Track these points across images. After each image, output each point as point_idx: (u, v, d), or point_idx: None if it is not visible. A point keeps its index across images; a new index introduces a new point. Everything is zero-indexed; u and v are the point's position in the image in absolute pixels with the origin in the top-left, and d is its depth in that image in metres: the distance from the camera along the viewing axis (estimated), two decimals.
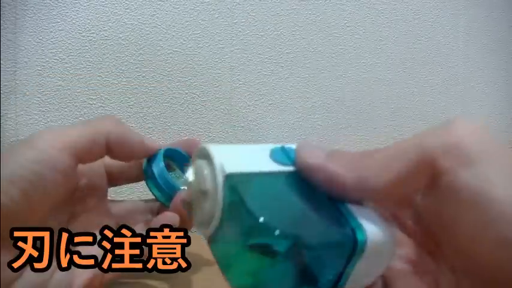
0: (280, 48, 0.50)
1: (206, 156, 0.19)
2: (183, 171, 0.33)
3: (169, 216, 0.29)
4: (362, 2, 0.54)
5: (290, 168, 0.20)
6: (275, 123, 0.51)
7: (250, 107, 0.49)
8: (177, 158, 0.33)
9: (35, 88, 0.42)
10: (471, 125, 0.18)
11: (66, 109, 0.43)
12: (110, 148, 0.27)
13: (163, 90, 0.46)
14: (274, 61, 0.50)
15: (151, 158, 0.30)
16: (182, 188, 0.31)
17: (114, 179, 0.32)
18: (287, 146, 0.22)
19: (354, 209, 0.19)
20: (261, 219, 0.17)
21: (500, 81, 0.62)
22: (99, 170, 0.30)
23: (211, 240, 0.20)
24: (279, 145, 0.22)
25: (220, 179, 0.18)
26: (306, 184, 0.20)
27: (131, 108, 0.45)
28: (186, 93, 0.47)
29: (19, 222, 0.23)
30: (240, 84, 0.49)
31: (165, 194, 0.31)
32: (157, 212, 0.33)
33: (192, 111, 0.47)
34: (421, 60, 0.57)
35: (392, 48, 0.56)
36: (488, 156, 0.17)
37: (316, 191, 0.20)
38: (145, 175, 0.31)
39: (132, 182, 0.33)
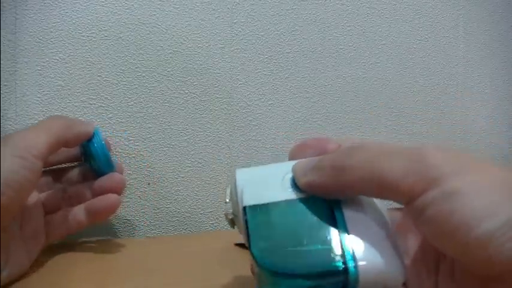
0: (280, 48, 0.50)
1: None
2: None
3: (120, 177, 0.38)
4: (362, 2, 0.54)
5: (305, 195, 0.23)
6: (275, 123, 0.51)
7: (250, 107, 0.49)
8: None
9: (35, 88, 0.42)
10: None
11: (66, 109, 0.43)
12: (66, 143, 0.34)
13: (163, 90, 0.46)
14: (274, 61, 0.50)
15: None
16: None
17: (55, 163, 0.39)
18: None
19: (356, 239, 0.20)
20: (253, 252, 0.20)
21: (500, 81, 0.62)
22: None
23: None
24: None
25: (240, 209, 0.23)
26: (315, 209, 0.22)
27: (131, 108, 0.45)
28: (186, 93, 0.47)
29: (11, 216, 0.30)
30: (240, 84, 0.49)
31: (104, 166, 0.38)
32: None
33: (192, 111, 0.47)
34: (421, 60, 0.57)
35: (392, 48, 0.56)
36: (456, 175, 0.18)
37: (323, 217, 0.22)
38: (86, 151, 0.37)
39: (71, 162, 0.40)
